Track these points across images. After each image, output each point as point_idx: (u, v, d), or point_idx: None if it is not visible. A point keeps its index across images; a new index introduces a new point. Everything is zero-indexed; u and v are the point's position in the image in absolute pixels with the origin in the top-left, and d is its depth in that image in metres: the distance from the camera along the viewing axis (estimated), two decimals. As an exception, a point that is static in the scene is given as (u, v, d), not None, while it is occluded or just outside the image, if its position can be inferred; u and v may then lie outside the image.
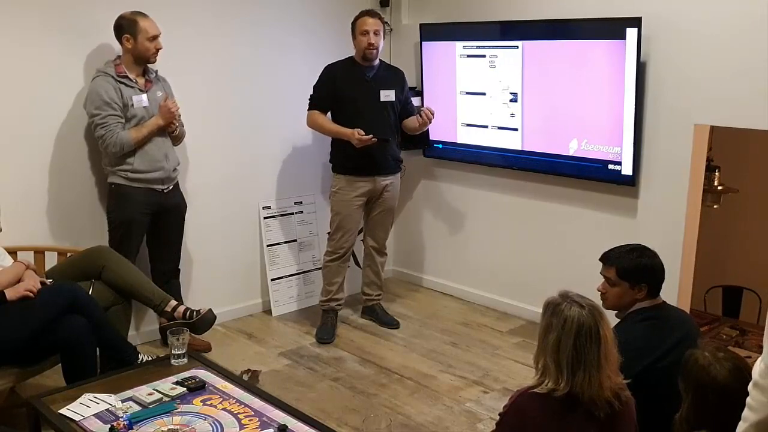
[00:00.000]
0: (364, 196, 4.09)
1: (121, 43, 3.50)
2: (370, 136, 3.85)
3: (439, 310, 4.61)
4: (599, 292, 2.61)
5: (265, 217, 4.48)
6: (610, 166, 3.83)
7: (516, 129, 4.23)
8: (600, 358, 2.05)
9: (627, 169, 3.76)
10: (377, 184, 4.08)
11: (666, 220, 3.69)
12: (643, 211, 3.82)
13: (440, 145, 4.67)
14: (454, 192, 4.78)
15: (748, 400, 1.47)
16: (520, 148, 4.24)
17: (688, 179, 3.61)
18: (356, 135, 3.86)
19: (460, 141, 4.56)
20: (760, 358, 1.52)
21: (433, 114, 4.08)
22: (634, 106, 3.65)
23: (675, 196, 3.65)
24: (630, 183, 3.78)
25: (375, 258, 4.33)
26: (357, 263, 4.68)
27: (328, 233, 4.23)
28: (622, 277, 2.56)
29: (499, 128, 4.31)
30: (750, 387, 1.47)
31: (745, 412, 1.48)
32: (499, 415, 2.25)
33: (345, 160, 4.03)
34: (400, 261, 5.20)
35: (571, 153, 4.00)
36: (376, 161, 4.00)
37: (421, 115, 4.09)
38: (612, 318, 2.39)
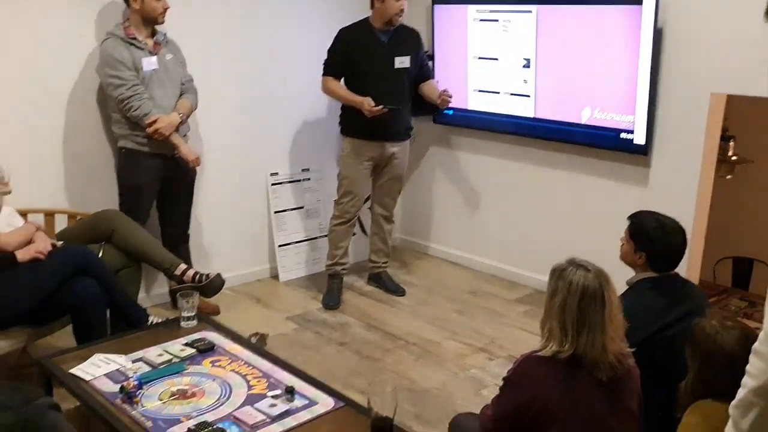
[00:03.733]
0: (372, 161, 4.08)
1: (128, 4, 3.47)
2: (381, 106, 3.82)
3: (445, 278, 4.61)
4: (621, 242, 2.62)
5: (272, 184, 4.47)
6: (623, 135, 3.79)
7: (528, 95, 4.18)
8: (604, 320, 2.07)
9: (639, 138, 3.73)
10: (385, 150, 4.06)
11: (678, 190, 3.66)
12: (655, 180, 3.79)
13: (451, 112, 4.63)
14: (464, 159, 4.75)
15: (748, 366, 1.50)
16: (533, 116, 4.20)
17: (702, 149, 3.56)
18: (366, 105, 3.83)
19: (471, 107, 4.52)
20: None
21: (450, 98, 4.05)
22: (649, 74, 3.60)
23: (688, 166, 3.62)
24: (642, 152, 3.75)
25: (383, 225, 4.33)
26: (363, 230, 4.69)
27: (336, 198, 4.23)
28: (630, 236, 2.58)
29: (512, 95, 4.27)
30: (751, 354, 1.50)
31: (745, 379, 1.51)
32: (503, 379, 2.27)
33: (355, 124, 4.00)
34: (408, 229, 5.20)
35: (583, 121, 3.96)
36: (387, 127, 3.96)
37: (439, 99, 4.05)
38: (621, 287, 2.39)
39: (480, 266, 4.73)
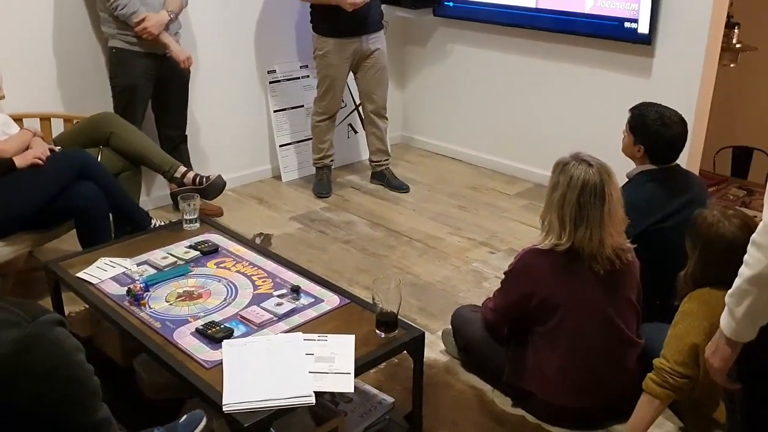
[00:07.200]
0: (352, 57, 4.03)
1: None
2: None
3: (447, 175, 4.61)
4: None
5: (270, 82, 4.39)
6: (627, 24, 3.69)
7: (529, -15, 4.04)
8: (603, 215, 2.09)
9: (644, 27, 3.62)
10: (367, 43, 4.02)
11: (681, 80, 3.59)
12: (658, 71, 3.71)
13: (451, 3, 4.48)
14: (464, 53, 4.64)
15: (746, 257, 1.55)
16: (534, 6, 4.07)
17: (707, 37, 3.47)
18: (347, 0, 3.77)
19: (471, -1, 4.38)
20: None
21: None
22: (654, -42, 3.46)
23: (691, 55, 3.54)
24: (646, 41, 3.65)
25: (377, 123, 4.29)
26: (354, 130, 4.67)
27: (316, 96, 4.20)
28: (630, 129, 2.57)
29: (512, -16, 4.12)
30: (749, 244, 1.53)
31: (741, 269, 1.56)
32: (505, 272, 2.31)
33: (333, 21, 3.92)
34: (408, 126, 5.14)
35: (586, 10, 3.84)
36: (365, 19, 3.93)
37: None
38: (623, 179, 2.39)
39: (481, 162, 4.71)
